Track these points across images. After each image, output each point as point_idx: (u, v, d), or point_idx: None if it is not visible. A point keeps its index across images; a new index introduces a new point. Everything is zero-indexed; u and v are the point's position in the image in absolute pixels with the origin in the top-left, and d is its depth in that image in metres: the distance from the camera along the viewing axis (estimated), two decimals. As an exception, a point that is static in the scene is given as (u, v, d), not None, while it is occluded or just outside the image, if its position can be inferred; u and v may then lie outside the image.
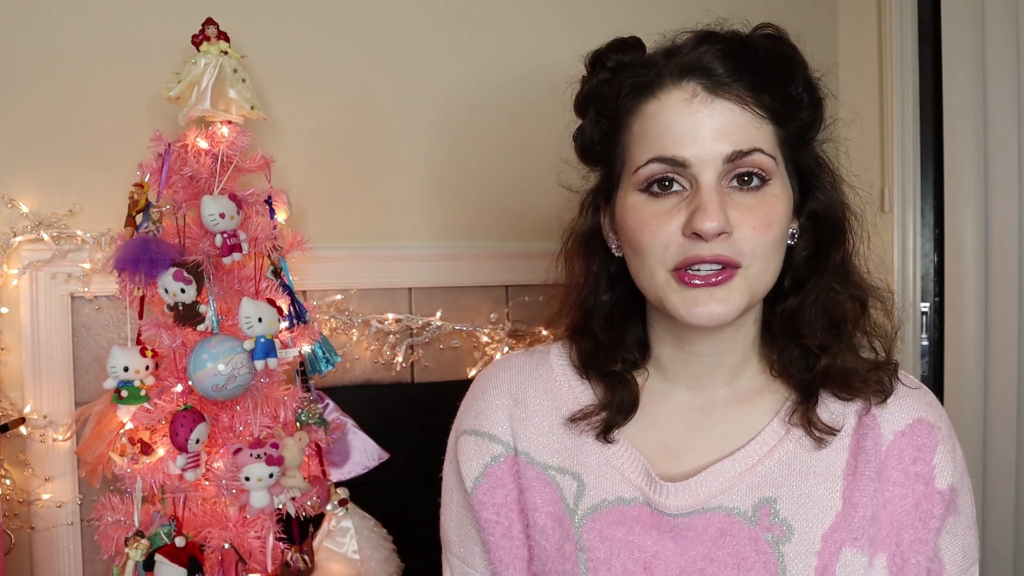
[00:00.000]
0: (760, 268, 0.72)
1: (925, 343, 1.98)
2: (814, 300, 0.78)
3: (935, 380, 1.93)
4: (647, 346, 0.83)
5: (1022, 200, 1.78)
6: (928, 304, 2.00)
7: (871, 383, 0.77)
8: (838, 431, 0.76)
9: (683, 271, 0.71)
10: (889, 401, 0.78)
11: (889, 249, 1.99)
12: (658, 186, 0.72)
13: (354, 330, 1.63)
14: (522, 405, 0.82)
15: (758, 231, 0.70)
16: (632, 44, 0.77)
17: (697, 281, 0.70)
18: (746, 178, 0.71)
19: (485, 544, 0.81)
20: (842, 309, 0.78)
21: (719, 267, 0.70)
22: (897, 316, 0.82)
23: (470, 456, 0.82)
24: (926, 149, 1.98)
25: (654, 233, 0.71)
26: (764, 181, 0.72)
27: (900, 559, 0.74)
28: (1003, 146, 1.79)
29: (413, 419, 1.62)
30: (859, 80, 2.06)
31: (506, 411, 0.82)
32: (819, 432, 0.76)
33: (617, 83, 0.76)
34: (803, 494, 0.74)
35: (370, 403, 1.61)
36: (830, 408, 0.78)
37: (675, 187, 0.72)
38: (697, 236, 0.69)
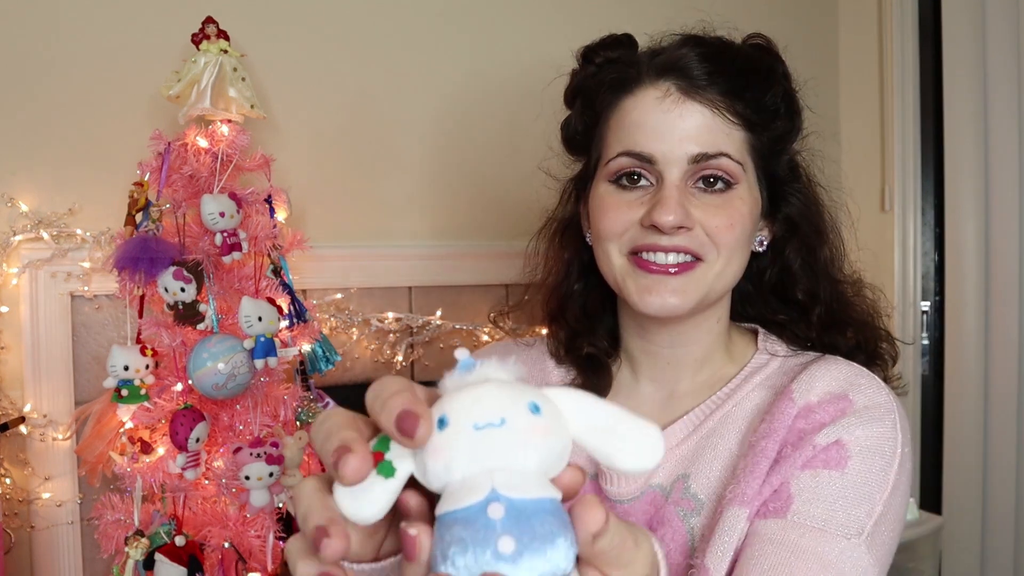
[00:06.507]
0: (722, 267, 0.74)
1: (925, 342, 1.98)
2: (819, 298, 0.81)
3: (935, 380, 1.93)
4: (618, 337, 0.85)
5: (1022, 200, 1.78)
6: (928, 303, 2.00)
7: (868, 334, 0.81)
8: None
9: (639, 256, 0.73)
10: (813, 371, 0.74)
11: (889, 249, 1.99)
12: (626, 179, 0.75)
13: (354, 329, 1.62)
14: None
15: (720, 230, 0.72)
16: (623, 41, 0.79)
17: (654, 267, 0.72)
18: (711, 180, 0.73)
19: None
20: (842, 302, 0.81)
21: (680, 260, 0.73)
22: (885, 312, 0.85)
23: None
24: (926, 149, 1.99)
25: (613, 220, 0.74)
26: (729, 185, 0.73)
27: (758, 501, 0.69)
28: (1003, 146, 1.79)
29: (413, 418, 1.61)
30: (860, 80, 2.06)
31: None
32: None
33: (601, 77, 0.78)
34: (712, 469, 0.74)
35: (370, 402, 1.61)
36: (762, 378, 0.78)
37: (642, 182, 0.74)
38: (655, 228, 0.71)
